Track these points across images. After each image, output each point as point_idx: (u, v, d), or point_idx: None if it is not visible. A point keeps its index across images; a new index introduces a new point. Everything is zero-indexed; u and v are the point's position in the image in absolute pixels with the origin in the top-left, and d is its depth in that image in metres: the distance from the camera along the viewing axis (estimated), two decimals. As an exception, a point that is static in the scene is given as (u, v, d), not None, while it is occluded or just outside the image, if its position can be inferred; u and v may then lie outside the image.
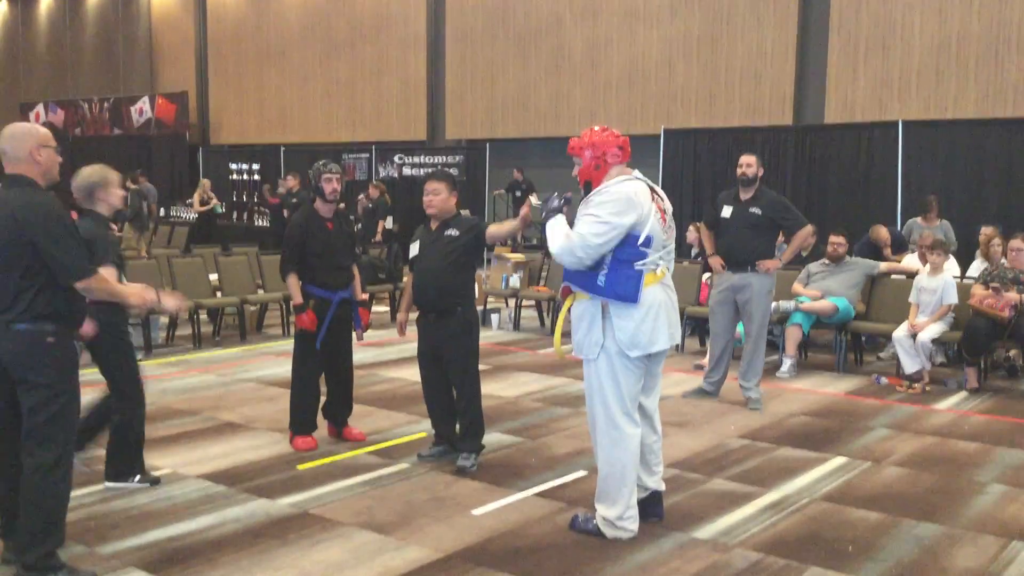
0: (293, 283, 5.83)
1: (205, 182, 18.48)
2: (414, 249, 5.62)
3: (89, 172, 4.93)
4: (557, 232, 4.36)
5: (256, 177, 21.40)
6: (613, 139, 4.45)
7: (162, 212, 20.26)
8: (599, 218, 4.24)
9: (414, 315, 5.70)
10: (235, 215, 20.77)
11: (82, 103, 25.20)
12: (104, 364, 4.94)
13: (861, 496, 5.14)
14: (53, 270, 3.78)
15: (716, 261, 7.33)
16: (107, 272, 4.31)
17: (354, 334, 6.10)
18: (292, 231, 5.89)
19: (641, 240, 4.27)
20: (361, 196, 17.03)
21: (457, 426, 5.62)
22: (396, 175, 18.95)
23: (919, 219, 10.51)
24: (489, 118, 18.75)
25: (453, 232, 5.50)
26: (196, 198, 18.08)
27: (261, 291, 10.70)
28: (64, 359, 3.88)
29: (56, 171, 3.99)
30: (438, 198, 5.51)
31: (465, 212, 18.93)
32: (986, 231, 9.30)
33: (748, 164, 7.15)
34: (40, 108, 25.98)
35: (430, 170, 18.70)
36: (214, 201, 18.01)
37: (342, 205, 6.02)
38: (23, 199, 3.80)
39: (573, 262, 4.29)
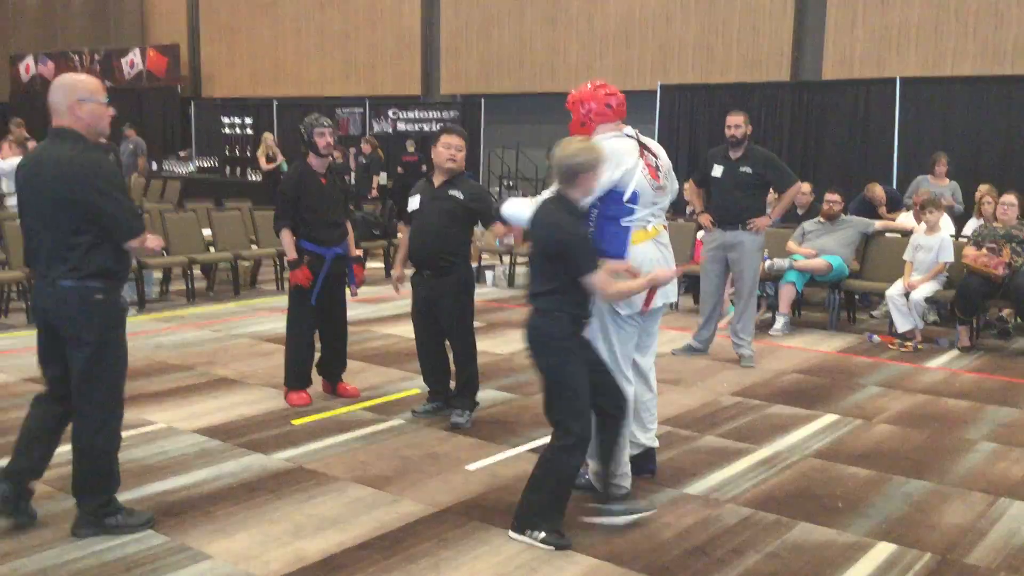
0: (287, 238, 5.80)
1: (268, 136, 16.61)
2: (413, 203, 5.55)
3: None
4: (520, 207, 4.29)
5: (249, 132, 21.19)
6: (604, 96, 4.41)
7: (154, 166, 20.09)
8: None
9: (409, 271, 5.68)
10: (228, 170, 20.61)
11: (72, 55, 24.84)
12: None
13: (852, 453, 5.19)
14: (108, 227, 3.73)
15: (705, 219, 7.33)
16: None
17: (348, 290, 6.08)
18: (285, 186, 5.85)
19: (627, 196, 4.24)
20: (352, 149, 16.91)
21: (452, 383, 5.64)
22: (390, 130, 18.80)
23: (928, 176, 10.42)
24: (484, 73, 18.54)
25: (457, 194, 5.42)
26: (261, 155, 16.19)
27: (255, 246, 10.66)
28: (112, 316, 3.87)
29: (104, 124, 3.90)
30: (461, 154, 5.45)
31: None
32: (981, 189, 9.29)
33: (736, 124, 7.08)
34: (30, 60, 25.62)
35: (424, 126, 18.59)
36: (281, 158, 16.03)
37: (337, 155, 5.97)
38: (69, 155, 3.72)
39: None
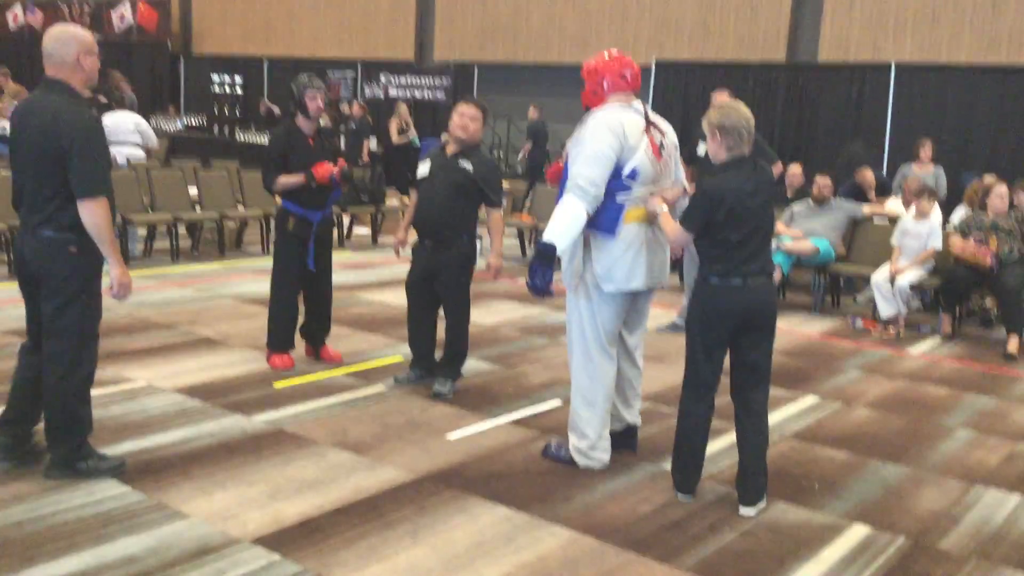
0: (284, 179, 5.69)
1: (403, 107, 15.92)
2: (423, 169, 5.47)
3: None
4: (562, 218, 4.14)
5: (239, 91, 20.97)
6: (617, 66, 4.34)
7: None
8: (585, 155, 4.16)
9: (412, 238, 5.63)
10: (216, 129, 20.42)
11: (62, 4, 24.45)
12: None
13: (830, 436, 5.22)
14: (71, 181, 3.75)
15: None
16: None
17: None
18: (273, 143, 5.80)
19: (625, 172, 4.20)
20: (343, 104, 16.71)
21: (438, 353, 5.63)
22: (382, 96, 18.63)
23: (913, 164, 10.44)
24: (479, 40, 18.39)
25: (467, 166, 5.35)
26: (393, 127, 15.49)
27: (241, 207, 10.58)
28: (85, 268, 3.90)
29: (96, 77, 3.97)
30: (474, 124, 5.36)
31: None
32: (988, 180, 9.26)
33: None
34: (18, 8, 25.21)
35: (416, 92, 18.43)
36: (412, 131, 15.49)
37: (326, 120, 5.91)
38: (64, 107, 3.77)
39: (590, 207, 4.16)
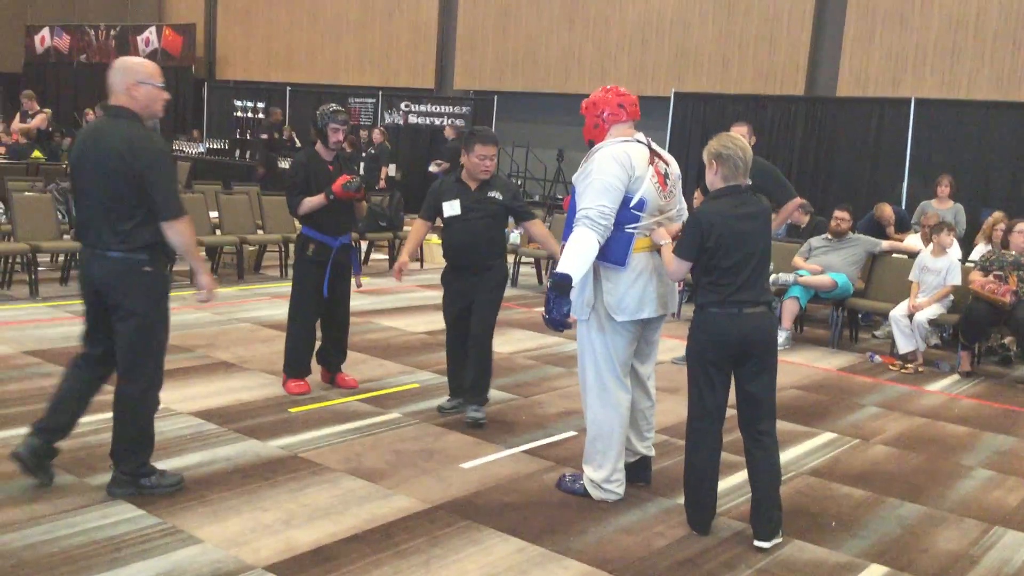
0: (308, 201, 5.76)
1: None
2: (453, 208, 5.47)
3: None
4: (574, 251, 4.14)
5: (261, 116, 21.17)
6: (614, 97, 4.41)
7: (165, 145, 20.06)
8: (593, 187, 4.18)
9: (413, 264, 5.66)
10: (237, 153, 20.60)
11: (88, 29, 24.84)
12: None
13: (847, 473, 5.18)
14: (152, 203, 3.89)
15: None
16: None
17: (353, 280, 6.07)
18: (295, 168, 5.85)
19: (633, 203, 4.23)
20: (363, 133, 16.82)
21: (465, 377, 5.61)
22: (401, 122, 18.77)
23: (933, 201, 10.41)
24: (498, 70, 18.52)
25: (496, 195, 5.48)
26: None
27: (261, 231, 10.65)
28: (158, 288, 4.04)
29: (158, 107, 4.09)
30: (493, 163, 5.48)
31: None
32: (996, 216, 9.26)
33: (740, 136, 7.04)
34: (46, 32, 25.59)
35: (436, 120, 18.55)
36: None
37: (347, 145, 5.96)
38: (131, 132, 3.91)
39: (602, 237, 4.18)
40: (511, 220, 5.71)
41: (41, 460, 4.13)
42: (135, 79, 3.96)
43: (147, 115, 4.02)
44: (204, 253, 10.28)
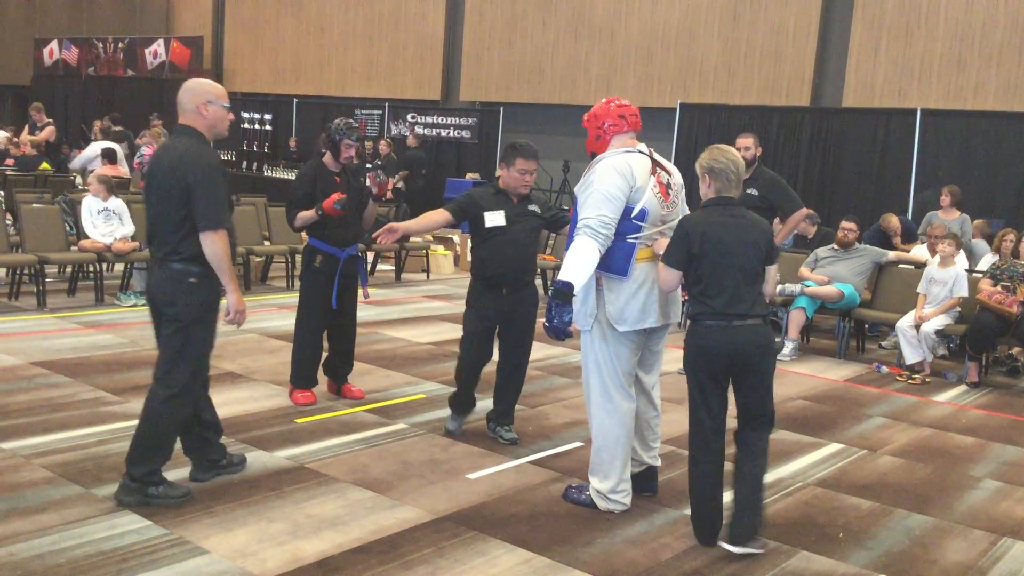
0: (303, 215, 5.76)
1: None
2: (497, 218, 5.27)
3: None
4: (576, 259, 4.15)
5: (268, 128, 21.27)
6: (615, 109, 4.44)
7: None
8: (595, 197, 4.19)
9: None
10: (244, 165, 20.69)
11: (97, 42, 24.99)
12: None
13: (855, 484, 5.16)
14: (194, 213, 4.02)
15: None
16: None
17: (360, 292, 6.08)
18: (300, 180, 5.86)
19: (635, 213, 4.25)
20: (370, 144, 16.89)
21: (495, 398, 5.54)
22: (408, 134, 18.86)
23: (938, 212, 10.39)
24: (504, 81, 18.58)
25: (535, 208, 5.38)
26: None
27: (267, 243, 10.68)
28: (203, 298, 4.16)
29: (224, 127, 4.26)
30: (533, 178, 5.33)
31: (474, 175, 18.71)
32: (997, 229, 9.26)
33: (746, 147, 7.04)
34: (54, 45, 25.77)
35: (442, 132, 18.60)
36: None
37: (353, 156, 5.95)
38: (187, 147, 4.10)
39: (602, 247, 4.19)
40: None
41: (215, 463, 4.53)
42: (205, 99, 4.16)
43: (213, 134, 4.22)
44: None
